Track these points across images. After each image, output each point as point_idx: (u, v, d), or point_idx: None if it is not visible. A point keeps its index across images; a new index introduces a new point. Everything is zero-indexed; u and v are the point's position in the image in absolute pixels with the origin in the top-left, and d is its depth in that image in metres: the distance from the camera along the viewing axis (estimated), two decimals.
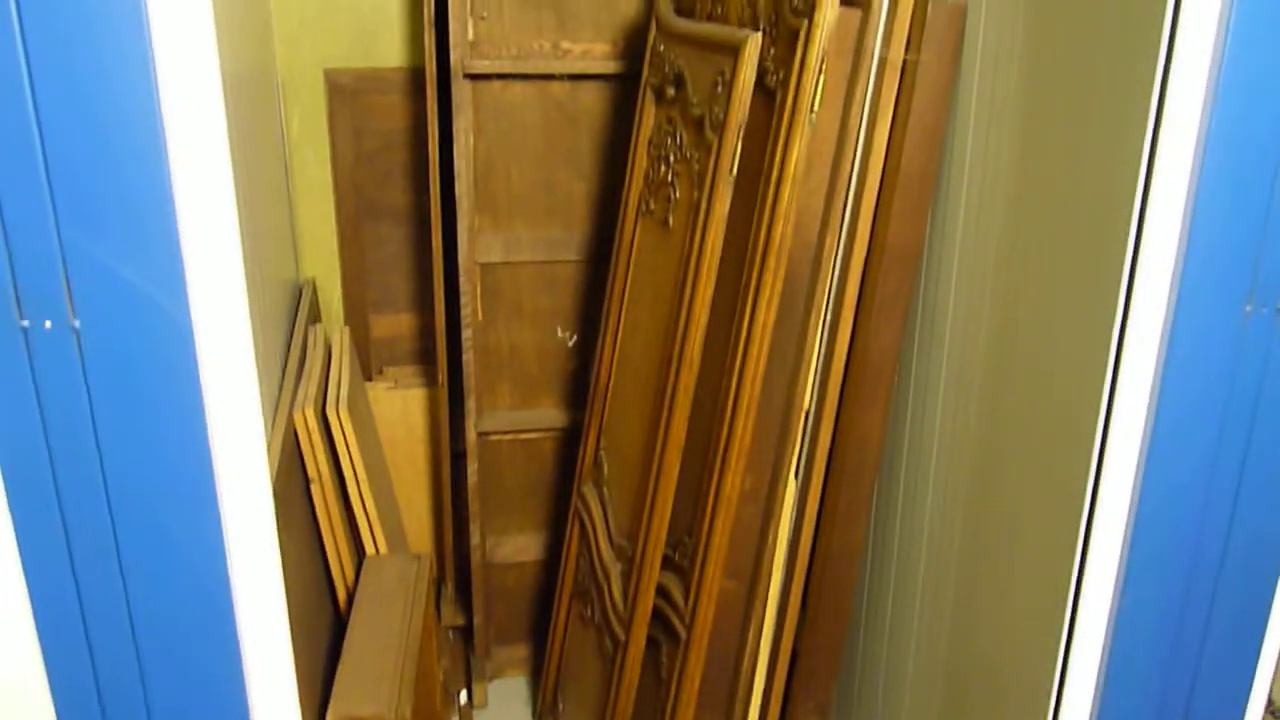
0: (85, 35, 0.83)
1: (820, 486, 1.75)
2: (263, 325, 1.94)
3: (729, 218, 1.66)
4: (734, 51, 1.60)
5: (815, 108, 1.49)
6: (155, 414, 0.91)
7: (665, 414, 1.74)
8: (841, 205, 1.61)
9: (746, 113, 1.61)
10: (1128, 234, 1.11)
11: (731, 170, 1.62)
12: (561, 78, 2.29)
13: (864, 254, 1.65)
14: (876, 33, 1.53)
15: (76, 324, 0.86)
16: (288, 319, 2.36)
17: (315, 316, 2.64)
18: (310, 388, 2.13)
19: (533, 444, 2.48)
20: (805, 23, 1.48)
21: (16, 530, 0.98)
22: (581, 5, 2.28)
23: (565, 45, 2.28)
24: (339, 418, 2.10)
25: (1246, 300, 1.07)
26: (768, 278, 1.57)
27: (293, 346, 2.29)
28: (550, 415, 2.47)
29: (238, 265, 0.87)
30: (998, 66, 1.47)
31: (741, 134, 1.61)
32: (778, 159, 1.55)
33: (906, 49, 1.55)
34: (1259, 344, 1.09)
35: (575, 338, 2.45)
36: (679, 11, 1.96)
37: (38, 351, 0.86)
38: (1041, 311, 1.36)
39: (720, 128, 1.63)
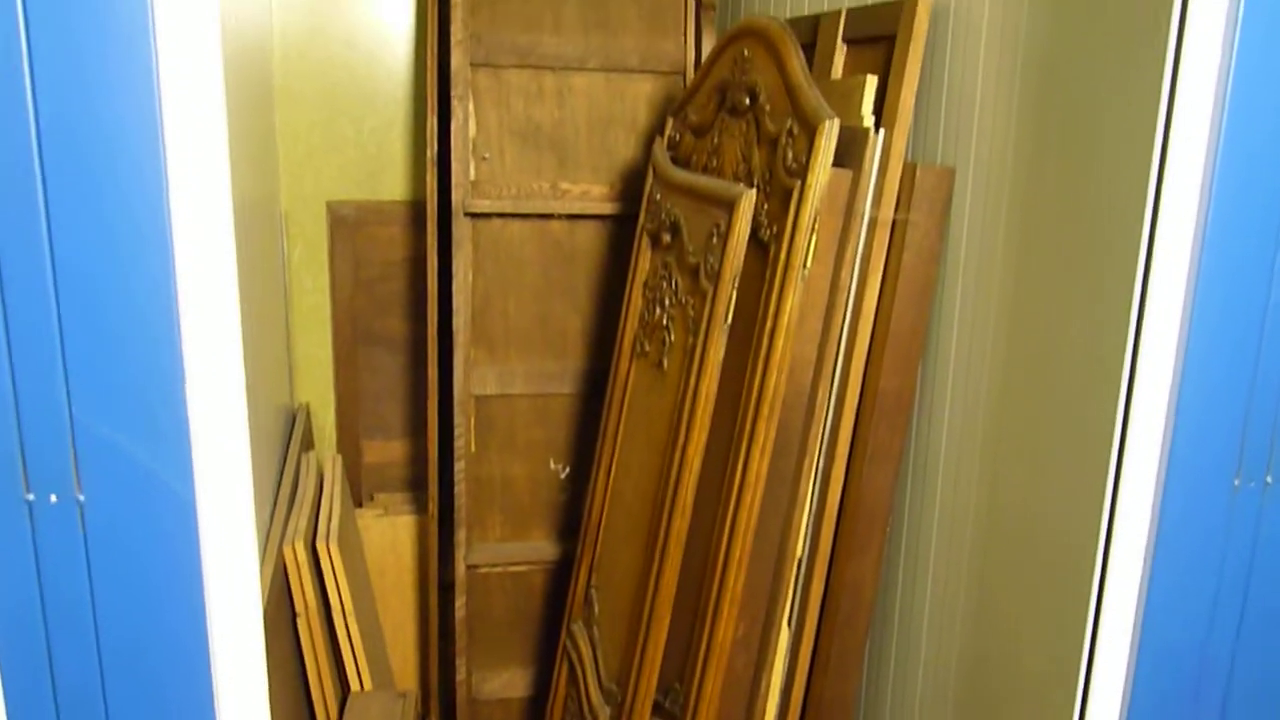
0: (108, 228, 0.87)
1: (814, 635, 1.74)
2: (257, 457, 1.95)
3: (724, 366, 1.68)
4: (730, 206, 1.65)
5: (808, 264, 1.53)
6: (153, 582, 0.91)
7: (657, 560, 1.74)
8: (834, 355, 1.64)
9: (741, 264, 1.65)
10: (1116, 408, 1.14)
11: (726, 319, 1.65)
12: (560, 217, 2.34)
13: (856, 402, 1.68)
14: (867, 194, 1.58)
15: (81, 498, 0.87)
16: (281, 445, 2.37)
17: (308, 443, 2.64)
18: (301, 520, 2.12)
19: (522, 576, 2.46)
20: (799, 183, 1.54)
21: (6, 692, 0.97)
22: (580, 148, 2.35)
23: (564, 186, 2.34)
24: (329, 552, 2.09)
25: (1235, 474, 1.09)
26: (761, 425, 1.59)
27: (285, 473, 2.29)
28: (541, 548, 2.46)
29: (244, 446, 0.88)
30: (985, 227, 1.52)
31: (736, 284, 1.65)
32: (771, 310, 1.58)
33: (896, 209, 1.60)
34: (1249, 516, 1.10)
35: (568, 470, 2.45)
36: (675, 160, 2.03)
37: (41, 525, 0.86)
38: (1033, 469, 1.38)
39: (715, 277, 1.67)
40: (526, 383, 2.41)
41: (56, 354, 0.85)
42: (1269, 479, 1.09)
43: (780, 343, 1.56)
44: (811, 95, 1.56)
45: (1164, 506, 1.08)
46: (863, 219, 1.59)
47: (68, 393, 0.85)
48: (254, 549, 0.94)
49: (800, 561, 1.72)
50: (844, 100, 1.65)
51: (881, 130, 1.59)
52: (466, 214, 2.27)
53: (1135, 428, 1.09)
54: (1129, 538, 1.10)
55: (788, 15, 2.15)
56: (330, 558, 2.10)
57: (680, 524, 1.72)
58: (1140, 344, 1.17)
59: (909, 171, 1.59)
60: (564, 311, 2.41)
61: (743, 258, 1.65)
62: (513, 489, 2.45)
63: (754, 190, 1.63)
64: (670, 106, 2.11)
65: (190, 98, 0.96)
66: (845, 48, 1.78)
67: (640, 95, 2.36)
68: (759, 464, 1.61)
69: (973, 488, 1.56)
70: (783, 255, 1.57)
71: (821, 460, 1.70)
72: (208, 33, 1.02)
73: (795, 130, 1.58)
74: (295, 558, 2.03)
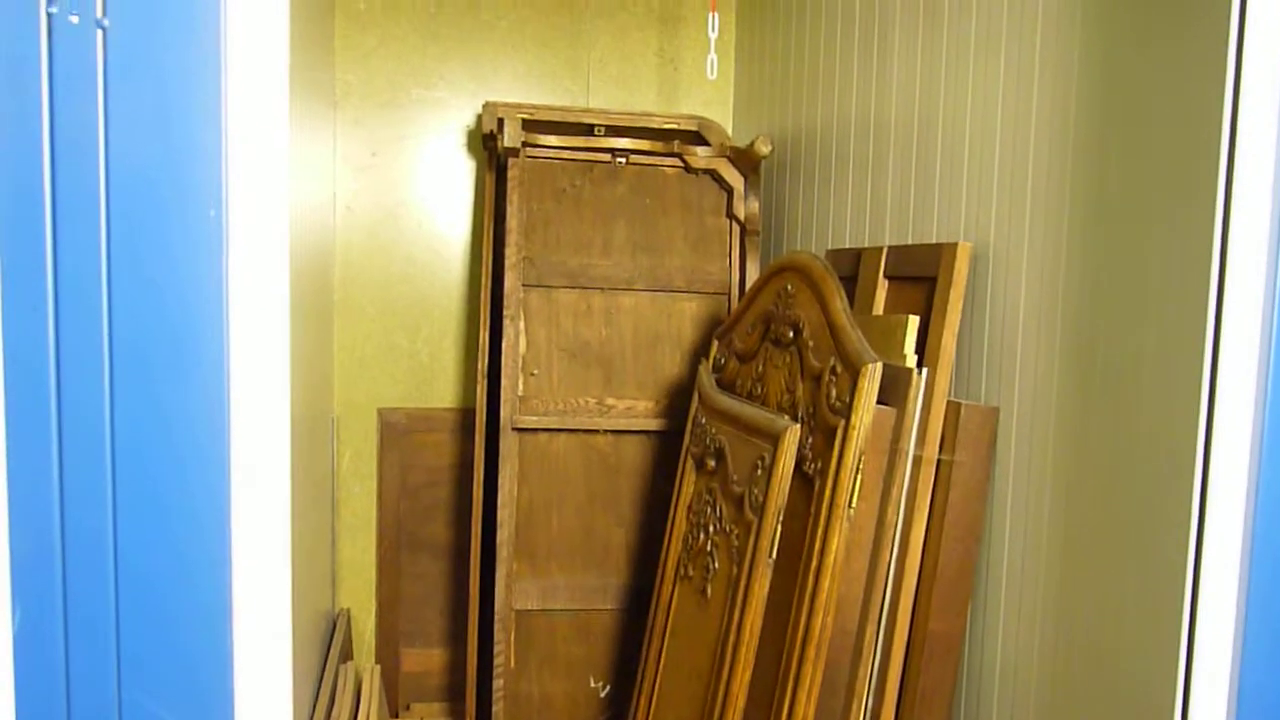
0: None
1: None
2: (295, 670, 1.93)
3: (769, 600, 1.66)
4: (775, 439, 1.66)
5: (854, 503, 1.53)
6: None
7: None
8: (881, 595, 1.62)
9: (785, 499, 1.65)
10: (1176, 670, 1.11)
11: (771, 553, 1.64)
12: (605, 432, 2.37)
13: (904, 644, 1.64)
14: (911, 432, 1.59)
15: None
16: (321, 651, 2.34)
17: (348, 652, 2.61)
18: None
19: None
20: (843, 422, 1.55)
21: None
22: (627, 364, 2.40)
23: (610, 401, 2.38)
24: None
25: None
26: (808, 668, 1.55)
27: (324, 683, 2.26)
28: None
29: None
30: (1031, 466, 1.51)
31: (780, 518, 1.65)
32: (817, 548, 1.57)
33: (941, 448, 1.61)
34: None
35: (609, 689, 2.39)
36: (721, 383, 2.06)
37: None
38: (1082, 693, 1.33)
39: (760, 510, 1.67)
40: (569, 597, 2.38)
41: (111, 634, 0.87)
42: None
43: (826, 582, 1.55)
44: (854, 336, 1.59)
45: None
46: (908, 457, 1.60)
47: (118, 672, 0.86)
48: None
49: None
50: (886, 338, 1.68)
51: (924, 369, 1.62)
52: (514, 429, 2.31)
53: (1196, 695, 1.05)
54: None
55: (830, 246, 2.22)
56: None
57: None
58: (1199, 598, 1.15)
59: (953, 410, 1.60)
60: (607, 525, 2.40)
61: (787, 491, 1.65)
62: (551, 707, 2.39)
63: (799, 424, 1.65)
64: (716, 330, 2.16)
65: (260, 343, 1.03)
66: (887, 284, 1.83)
67: (686, 314, 2.42)
68: (806, 707, 1.56)
69: None
70: (828, 493, 1.57)
71: (871, 701, 1.65)
72: (277, 255, 1.09)
73: (839, 369, 1.60)
74: None
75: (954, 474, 1.59)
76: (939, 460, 1.61)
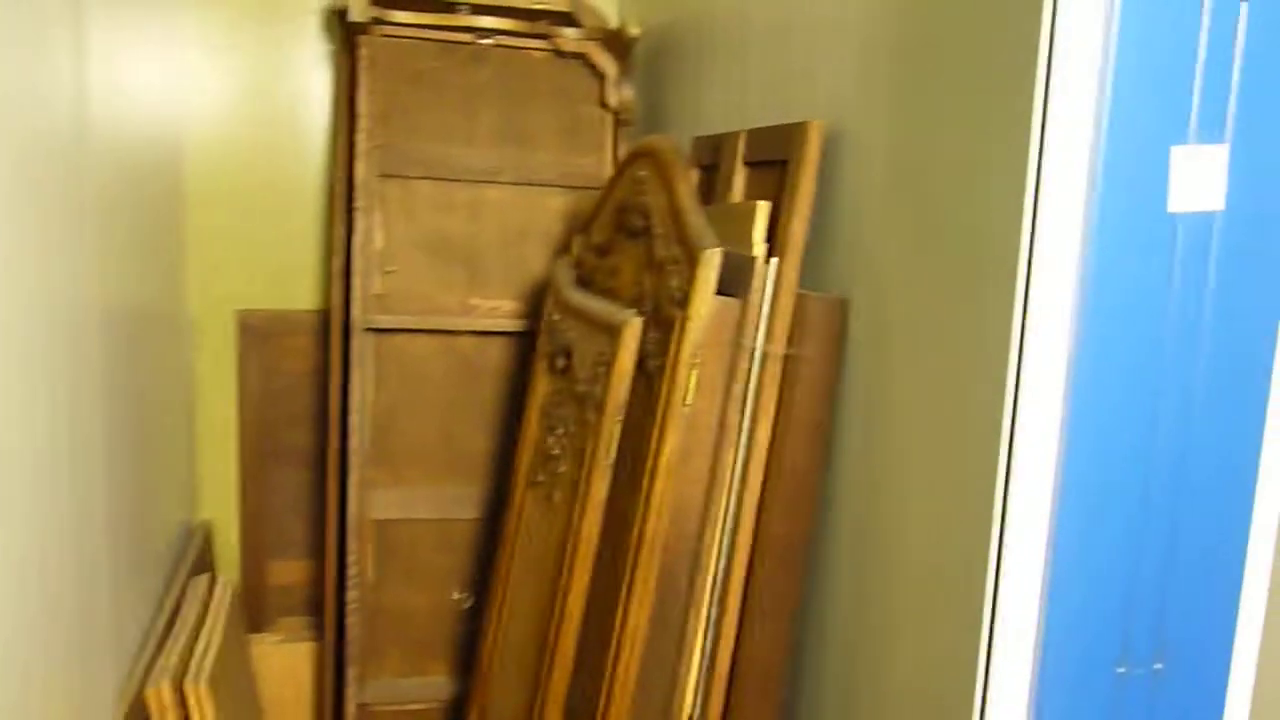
0: None
1: None
2: (124, 588, 1.81)
3: (611, 505, 1.57)
4: (615, 334, 1.55)
5: (688, 400, 1.43)
6: None
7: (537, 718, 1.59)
8: (724, 498, 1.53)
9: (626, 397, 1.54)
10: (985, 582, 1.03)
11: (609, 456, 1.54)
12: (468, 333, 2.24)
13: (749, 549, 1.55)
14: (756, 326, 1.48)
15: None
16: (167, 569, 2.22)
17: (204, 565, 2.48)
18: (172, 657, 1.96)
19: (421, 716, 2.29)
20: (680, 314, 1.44)
21: None
22: (493, 261, 2.26)
23: (474, 301, 2.25)
24: (197, 695, 1.92)
25: (1119, 663, 0.97)
26: (640, 574, 1.47)
27: (167, 601, 2.14)
28: (442, 685, 2.29)
29: None
30: (879, 361, 1.42)
31: (622, 419, 1.54)
32: (652, 449, 1.47)
33: (789, 343, 1.50)
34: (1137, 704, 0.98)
35: (472, 600, 2.30)
36: (581, 281, 1.93)
37: None
38: (917, 629, 1.26)
39: (599, 409, 1.56)
40: (431, 506, 2.27)
41: None
42: (1158, 665, 0.97)
43: (660, 484, 1.45)
44: (696, 222, 1.47)
45: (1040, 695, 0.95)
46: (752, 353, 1.49)
47: None
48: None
49: None
50: (736, 226, 1.57)
51: (774, 259, 1.50)
52: (368, 330, 2.17)
53: (1004, 614, 0.97)
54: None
55: (702, 134, 2.08)
56: (200, 701, 1.94)
57: (559, 680, 1.58)
58: (1007, 522, 1.06)
59: (802, 303, 1.49)
60: (471, 431, 2.29)
61: (627, 390, 1.55)
62: (413, 620, 2.30)
63: (640, 318, 1.54)
64: (577, 224, 2.03)
65: None
66: (746, 171, 1.70)
67: (556, 209, 2.28)
68: (638, 615, 1.48)
69: (868, 645, 1.43)
70: (664, 390, 1.46)
71: (714, 611, 1.57)
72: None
73: (680, 258, 1.49)
74: (160, 701, 1.86)
75: (801, 370, 1.49)
76: (786, 355, 1.51)
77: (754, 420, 1.52)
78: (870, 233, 1.44)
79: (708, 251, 1.40)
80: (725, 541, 1.55)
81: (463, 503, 2.28)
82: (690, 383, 1.42)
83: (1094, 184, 0.93)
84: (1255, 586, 0.98)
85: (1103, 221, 0.93)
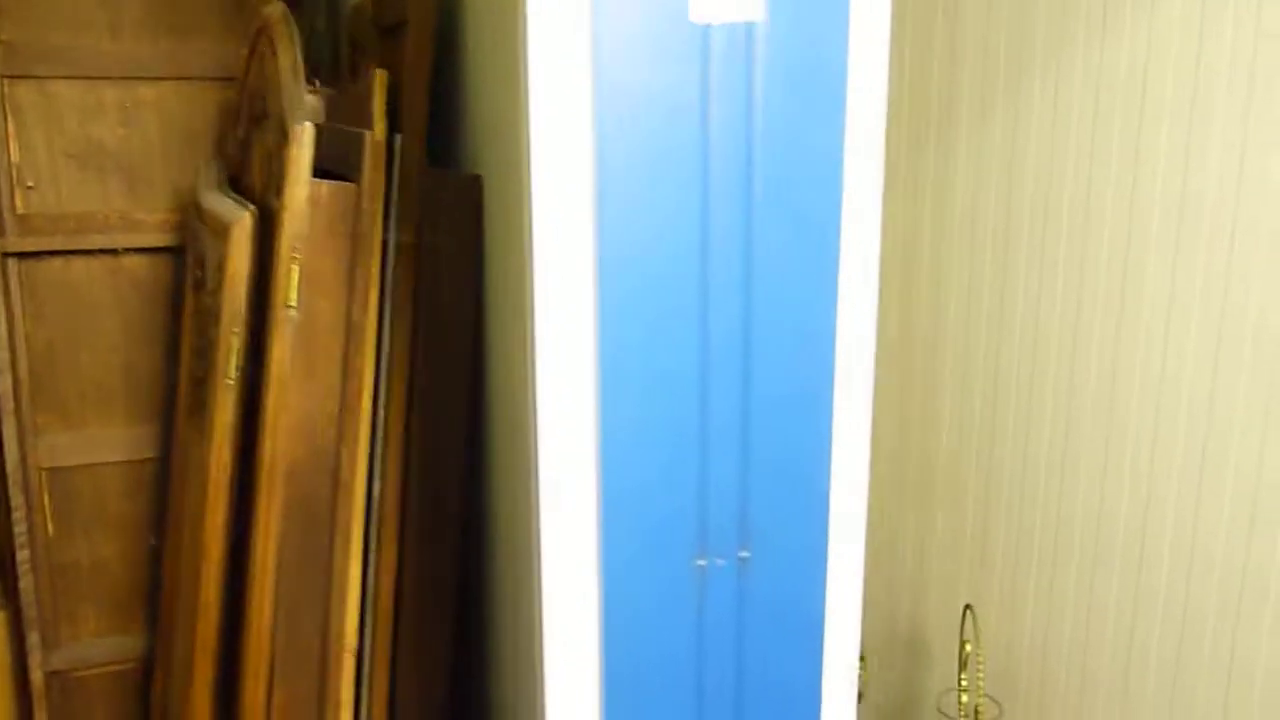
0: None
1: None
2: None
3: (241, 429, 1.39)
4: (225, 233, 1.35)
5: (292, 301, 1.25)
6: None
7: (191, 670, 1.43)
8: (362, 408, 1.36)
9: (243, 305, 1.35)
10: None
11: (229, 373, 1.36)
12: (135, 252, 1.99)
13: (401, 460, 1.40)
14: (376, 213, 1.31)
15: None
16: None
17: None
18: None
19: (127, 676, 2.09)
20: (278, 203, 1.25)
21: None
22: (155, 170, 2.00)
23: (138, 215, 1.99)
24: None
25: (698, 555, 0.86)
26: (264, 501, 1.30)
27: None
28: (145, 641, 2.09)
29: None
30: (509, 242, 1.27)
31: (241, 330, 1.36)
32: (265, 360, 1.29)
33: (420, 229, 1.34)
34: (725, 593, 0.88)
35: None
36: (232, 182, 1.71)
37: None
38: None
39: (217, 321, 1.37)
40: (113, 448, 2.04)
41: None
42: (744, 554, 0.87)
43: (271, 398, 1.28)
44: (292, 95, 1.28)
45: (608, 596, 0.84)
46: (376, 242, 1.32)
47: None
48: None
49: (362, 656, 1.43)
50: (361, 103, 1.38)
51: (399, 136, 1.33)
52: (8, 254, 1.90)
53: (549, 502, 0.84)
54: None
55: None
56: None
57: (206, 626, 1.41)
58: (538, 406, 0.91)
59: (430, 181, 1.33)
60: (152, 361, 2.05)
61: (244, 297, 1.36)
62: (106, 572, 2.07)
63: (251, 213, 1.34)
64: (228, 118, 1.80)
65: None
66: (380, 40, 1.51)
67: (225, 106, 2.03)
68: (266, 546, 1.31)
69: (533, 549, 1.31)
70: (271, 292, 1.28)
71: (375, 531, 1.42)
72: None
73: (282, 139, 1.30)
74: None
75: (438, 259, 1.33)
76: (417, 244, 1.34)
77: (392, 321, 1.36)
78: (499, 102, 1.28)
79: (297, 127, 1.21)
80: (376, 460, 1.39)
81: (151, 441, 2.06)
82: (292, 281, 1.24)
83: None
84: (846, 465, 0.89)
85: (609, 31, 0.78)
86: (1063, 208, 1.57)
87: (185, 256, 1.75)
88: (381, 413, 1.38)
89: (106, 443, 2.04)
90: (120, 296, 2.02)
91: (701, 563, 0.85)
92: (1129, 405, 1.54)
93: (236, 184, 1.68)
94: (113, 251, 1.99)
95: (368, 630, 1.43)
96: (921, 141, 1.83)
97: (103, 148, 1.98)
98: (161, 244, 2.00)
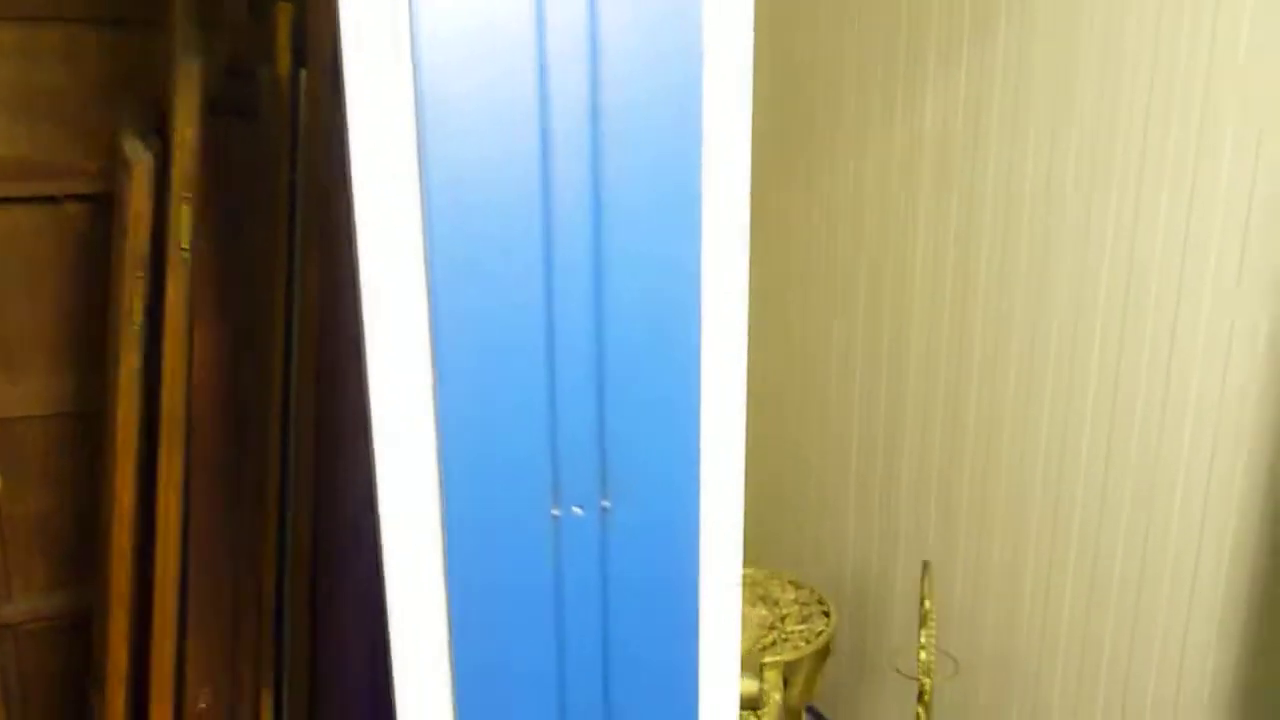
0: None
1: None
2: None
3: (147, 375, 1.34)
4: (129, 173, 1.30)
5: (184, 243, 1.20)
6: None
7: (108, 623, 1.39)
8: (278, 355, 1.32)
9: (146, 249, 1.30)
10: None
11: (134, 319, 1.31)
12: (72, 198, 1.94)
13: (314, 407, 1.36)
14: (280, 151, 1.25)
15: None
16: None
17: None
18: None
19: (79, 629, 2.07)
20: (171, 140, 1.20)
21: None
22: (97, 116, 1.95)
23: (81, 163, 1.94)
24: None
25: (552, 505, 0.80)
26: (165, 452, 1.26)
27: None
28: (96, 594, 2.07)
29: None
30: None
31: (144, 273, 1.31)
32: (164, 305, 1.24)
33: (332, 167, 1.28)
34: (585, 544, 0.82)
35: None
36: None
37: None
38: None
39: (122, 264, 1.32)
40: (58, 400, 2.01)
41: None
42: (605, 504, 0.82)
43: (171, 343, 1.23)
44: (180, 34, 1.22)
45: (451, 552, 0.79)
46: (284, 183, 1.26)
47: None
48: None
49: (281, 607, 1.40)
50: (266, 39, 1.31)
51: (303, 71, 1.26)
52: None
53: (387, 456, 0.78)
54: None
55: None
56: None
57: (119, 575, 1.38)
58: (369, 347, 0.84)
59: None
60: (95, 314, 2.01)
61: (146, 239, 1.31)
62: (55, 526, 2.05)
63: (150, 155, 1.29)
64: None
65: None
66: None
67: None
68: (169, 498, 1.27)
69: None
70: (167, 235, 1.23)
71: (295, 480, 1.38)
72: None
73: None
74: None
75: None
76: (328, 180, 1.28)
77: (302, 264, 1.31)
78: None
79: (183, 65, 1.15)
80: (294, 404, 1.34)
81: (98, 389, 2.02)
82: (183, 221, 1.19)
83: None
84: (718, 399, 0.83)
85: None
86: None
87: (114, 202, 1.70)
88: (295, 358, 1.33)
89: (52, 394, 2.00)
90: (63, 245, 1.97)
91: (556, 513, 0.80)
92: (1089, 361, 1.48)
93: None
94: (54, 199, 1.94)
95: (286, 580, 1.40)
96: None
97: (42, 92, 1.92)
98: (104, 190, 1.95)
